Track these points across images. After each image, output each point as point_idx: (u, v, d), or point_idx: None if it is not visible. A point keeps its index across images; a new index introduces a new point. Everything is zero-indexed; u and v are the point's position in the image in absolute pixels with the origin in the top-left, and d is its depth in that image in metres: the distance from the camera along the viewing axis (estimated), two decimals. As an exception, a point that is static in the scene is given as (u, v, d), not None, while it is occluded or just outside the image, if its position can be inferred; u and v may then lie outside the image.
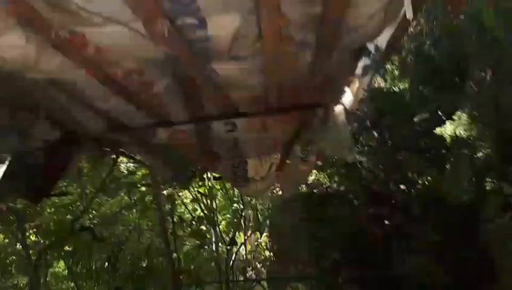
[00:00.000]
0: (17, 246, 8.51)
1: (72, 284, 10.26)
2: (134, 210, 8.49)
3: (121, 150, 4.15)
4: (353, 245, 5.74)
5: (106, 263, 9.67)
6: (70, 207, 8.16)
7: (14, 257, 8.86)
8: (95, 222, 7.43)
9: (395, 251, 5.01)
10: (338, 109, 3.18)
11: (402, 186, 5.26)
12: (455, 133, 2.63)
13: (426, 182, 5.11)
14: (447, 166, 3.57)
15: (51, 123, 2.97)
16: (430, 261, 4.47)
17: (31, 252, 7.77)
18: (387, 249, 5.21)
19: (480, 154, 2.50)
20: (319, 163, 5.05)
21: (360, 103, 3.88)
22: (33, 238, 8.72)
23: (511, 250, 2.08)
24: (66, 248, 9.21)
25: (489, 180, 2.29)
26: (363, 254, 5.57)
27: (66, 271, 10.74)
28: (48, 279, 9.62)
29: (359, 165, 5.28)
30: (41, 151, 3.14)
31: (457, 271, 4.33)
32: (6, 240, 8.67)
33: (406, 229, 5.09)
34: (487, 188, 2.34)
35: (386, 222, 5.04)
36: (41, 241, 8.80)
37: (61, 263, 10.50)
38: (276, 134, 3.66)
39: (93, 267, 9.65)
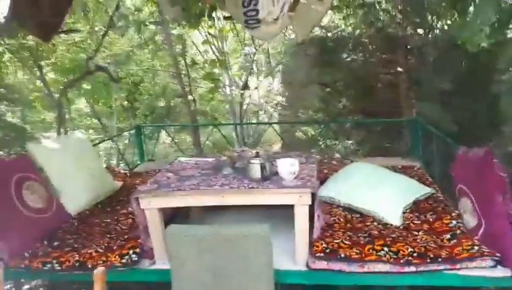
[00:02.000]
0: (37, 83, 8.78)
1: (96, 120, 10.96)
2: (146, 50, 8.42)
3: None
4: (363, 92, 5.80)
5: (126, 102, 10.14)
6: (81, 45, 8.15)
7: (37, 94, 9.21)
8: (109, 61, 7.47)
9: (404, 98, 5.06)
10: None
11: (419, 31, 4.99)
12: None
13: (445, 26, 4.82)
14: (470, 9, 3.27)
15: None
16: (439, 109, 4.54)
17: (51, 89, 8.07)
18: (397, 95, 5.26)
19: (507, -2, 2.27)
20: (335, 2, 4.71)
21: None
22: (51, 75, 8.95)
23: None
24: (85, 86, 9.53)
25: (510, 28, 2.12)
26: (372, 100, 5.67)
27: (88, 109, 11.36)
28: (72, 115, 10.18)
29: (377, 6, 4.92)
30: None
31: (465, 120, 4.44)
32: (26, 77, 8.88)
33: (418, 75, 5.04)
34: (508, 36, 2.19)
35: (399, 69, 4.95)
36: (60, 79, 9.09)
37: (82, 101, 11.01)
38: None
39: (113, 106, 10.15)
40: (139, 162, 5.43)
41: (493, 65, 2.51)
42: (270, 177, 2.67)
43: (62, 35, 6.60)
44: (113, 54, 7.97)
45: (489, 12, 2.20)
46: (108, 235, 3.03)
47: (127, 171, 4.78)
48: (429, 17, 4.91)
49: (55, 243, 2.95)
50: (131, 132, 6.07)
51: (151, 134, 7.99)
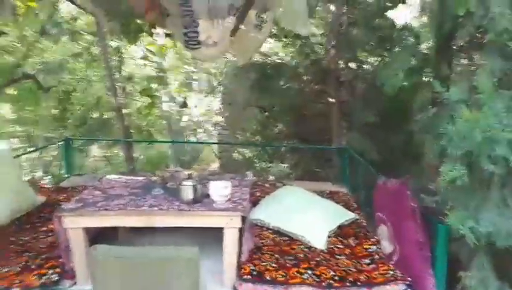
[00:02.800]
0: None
1: (20, 128, 10.23)
2: (80, 60, 8.11)
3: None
4: (298, 119, 6.05)
5: (55, 111, 9.59)
6: (9, 49, 7.65)
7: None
8: (39, 68, 7.08)
9: (335, 127, 5.36)
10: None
11: (351, 65, 5.37)
12: (405, 20, 2.62)
13: (375, 63, 5.24)
14: (396, 49, 3.63)
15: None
16: (365, 139, 4.86)
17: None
18: (328, 124, 5.55)
19: (423, 46, 2.55)
20: (273, 32, 4.93)
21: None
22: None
23: (429, 139, 2.30)
24: (11, 91, 8.91)
25: (426, 72, 2.38)
26: (306, 127, 5.93)
27: (14, 116, 10.58)
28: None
29: (313, 40, 5.23)
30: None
31: (386, 151, 4.80)
32: None
33: (348, 107, 5.38)
34: (424, 79, 2.46)
35: (330, 99, 5.26)
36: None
37: (6, 107, 10.25)
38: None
39: (40, 115, 9.56)
40: (66, 175, 5.15)
41: (410, 104, 2.80)
42: (201, 199, 2.69)
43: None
44: (44, 61, 7.58)
45: (406, 58, 2.45)
46: (26, 254, 2.85)
47: (51, 186, 4.52)
48: (359, 53, 5.31)
49: (-35, 262, 2.71)
50: (60, 143, 5.76)
51: (81, 146, 7.64)
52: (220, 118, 8.70)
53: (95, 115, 10.15)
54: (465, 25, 2.08)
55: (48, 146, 6.73)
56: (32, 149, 6.38)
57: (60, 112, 9.62)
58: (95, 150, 8.93)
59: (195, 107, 8.70)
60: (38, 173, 7.79)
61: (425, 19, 2.43)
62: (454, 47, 2.52)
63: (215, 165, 8.03)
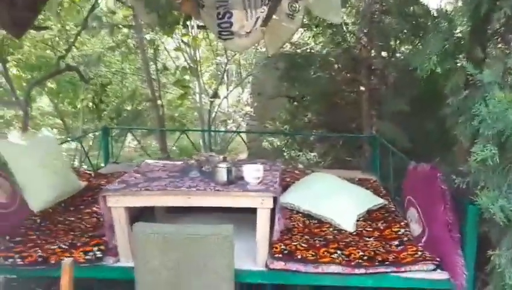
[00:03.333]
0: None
1: (59, 120, 10.70)
2: (116, 53, 8.40)
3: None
4: (328, 108, 6.08)
5: (91, 104, 9.99)
6: (49, 43, 8.02)
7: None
8: (78, 61, 7.41)
9: (365, 116, 5.35)
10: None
11: (383, 53, 5.34)
12: (440, 4, 2.63)
13: (407, 51, 5.20)
14: (426, 38, 3.59)
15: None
16: (396, 127, 4.85)
17: (14, 86, 7.88)
18: (359, 113, 5.55)
19: (457, 30, 2.55)
20: (305, 21, 4.97)
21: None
22: (14, 71, 8.71)
23: (461, 121, 2.32)
24: (50, 84, 9.33)
25: (459, 57, 2.39)
26: (336, 116, 5.95)
27: (52, 108, 11.07)
28: (33, 114, 9.92)
29: (344, 28, 5.24)
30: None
31: (420, 138, 4.77)
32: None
33: (379, 95, 5.37)
34: (457, 64, 2.47)
35: (362, 88, 5.26)
36: (23, 76, 8.85)
37: (45, 100, 10.72)
38: (264, -14, 3.54)
39: (79, 107, 9.97)
40: (102, 165, 5.40)
41: (442, 90, 2.79)
42: (235, 181, 2.82)
43: (31, 31, 6.50)
44: (83, 54, 7.91)
45: (439, 43, 2.47)
46: (72, 233, 3.06)
47: (91, 172, 4.78)
48: (392, 42, 5.28)
49: (18, 239, 2.95)
50: (97, 133, 6.03)
51: (116, 137, 7.95)
52: (248, 109, 8.83)
53: (129, 107, 10.51)
54: (501, 7, 2.08)
55: (86, 135, 7.04)
56: (71, 139, 6.69)
57: (94, 104, 10.02)
58: (129, 141, 9.25)
59: (225, 98, 8.83)
60: (75, 163, 8.17)
61: (460, 3, 2.43)
62: (489, 31, 2.52)
63: (244, 155, 8.16)
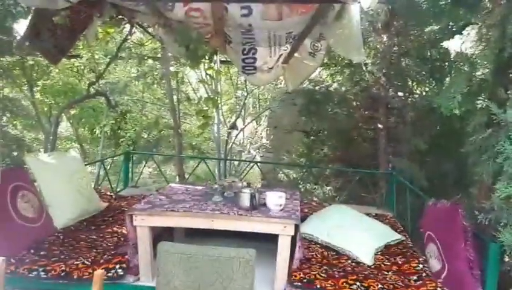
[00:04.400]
0: (23, 102, 8.83)
1: (76, 145, 10.97)
2: (139, 82, 8.74)
3: (135, 20, 4.22)
4: (344, 143, 6.19)
5: (110, 130, 10.26)
6: (75, 69, 8.38)
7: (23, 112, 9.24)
8: (104, 88, 7.71)
9: (382, 152, 5.43)
10: (354, 6, 3.21)
11: (400, 93, 5.49)
12: (461, 48, 2.75)
13: (423, 92, 5.34)
14: (446, 79, 3.74)
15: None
16: (413, 165, 4.91)
17: (39, 110, 8.19)
18: (376, 149, 5.64)
19: (478, 73, 2.67)
20: (325, 60, 5.17)
21: (376, 2, 3.86)
22: (39, 96, 9.05)
23: (482, 161, 2.39)
24: (73, 111, 9.65)
25: (481, 98, 2.48)
26: (353, 151, 6.04)
27: (70, 133, 11.36)
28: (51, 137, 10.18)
29: (363, 67, 5.42)
30: (66, 11, 3.24)
31: (437, 177, 4.81)
32: (12, 94, 8.95)
33: (396, 133, 5.47)
34: (477, 105, 2.56)
35: (379, 125, 5.37)
36: (46, 101, 9.18)
37: (63, 125, 11.02)
38: (290, 24, 3.73)
39: (99, 132, 10.24)
40: (119, 188, 5.50)
41: (463, 130, 2.88)
42: (258, 207, 2.88)
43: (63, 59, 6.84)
44: (107, 82, 8.23)
45: (462, 83, 2.58)
46: (94, 250, 3.13)
47: (112, 194, 4.89)
48: (409, 82, 5.44)
49: (42, 253, 3.03)
50: (115, 158, 6.17)
51: (136, 163, 8.12)
52: (264, 141, 8.98)
53: (147, 135, 10.75)
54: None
55: (109, 158, 7.22)
56: (96, 160, 6.87)
57: (112, 131, 10.28)
58: (146, 168, 9.42)
59: (242, 130, 9.02)
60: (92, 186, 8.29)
61: (480, 47, 2.55)
62: (511, 74, 2.63)
63: (259, 186, 8.22)
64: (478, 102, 2.50)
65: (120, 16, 4.05)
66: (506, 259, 2.37)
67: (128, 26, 4.86)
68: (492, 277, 2.43)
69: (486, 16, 2.46)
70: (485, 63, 2.51)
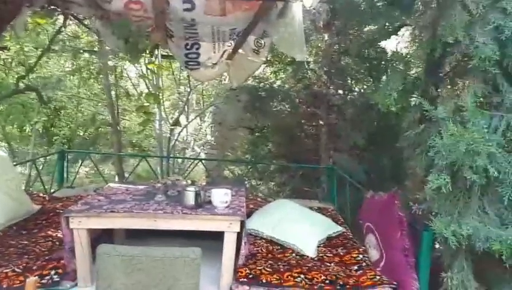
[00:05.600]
0: None
1: (3, 143, 10.17)
2: (74, 77, 8.27)
3: (70, 11, 3.97)
4: (288, 139, 6.30)
5: (42, 127, 9.62)
6: (3, 63, 7.75)
7: None
8: (36, 83, 7.21)
9: (323, 148, 5.61)
10: (296, 5, 3.27)
11: (340, 91, 5.70)
12: (396, 48, 2.91)
13: (362, 90, 5.60)
14: (383, 78, 3.95)
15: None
16: (353, 160, 5.11)
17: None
18: (317, 145, 5.80)
19: (412, 71, 2.83)
20: (269, 57, 5.23)
21: (317, 1, 3.95)
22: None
23: (416, 155, 2.54)
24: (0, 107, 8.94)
25: (414, 95, 2.64)
26: (296, 147, 6.17)
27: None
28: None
29: (306, 65, 5.55)
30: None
31: (375, 171, 5.05)
32: None
33: (337, 129, 5.67)
34: (411, 102, 2.72)
35: (321, 122, 5.53)
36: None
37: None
38: (234, 20, 3.71)
39: (29, 130, 9.57)
40: (53, 189, 5.18)
41: (398, 126, 3.05)
42: (203, 205, 2.84)
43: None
44: (39, 76, 7.70)
45: (397, 81, 2.72)
46: (26, 256, 2.92)
47: (46, 195, 4.59)
48: (349, 80, 5.66)
49: (-35, 263, 2.77)
50: (49, 157, 5.80)
51: (71, 162, 7.69)
52: (209, 138, 8.91)
53: (83, 132, 10.21)
54: (453, 52, 2.37)
55: (41, 157, 6.76)
56: (26, 160, 6.39)
57: (45, 129, 9.65)
58: (82, 167, 8.95)
59: (186, 127, 8.88)
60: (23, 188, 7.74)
61: (414, 47, 2.71)
62: (441, 73, 2.81)
63: (203, 183, 8.13)
64: (412, 99, 2.65)
65: (53, 6, 3.79)
66: (437, 246, 2.53)
67: (61, 17, 4.56)
68: (426, 263, 2.59)
69: (419, 17, 2.60)
70: (418, 62, 2.67)
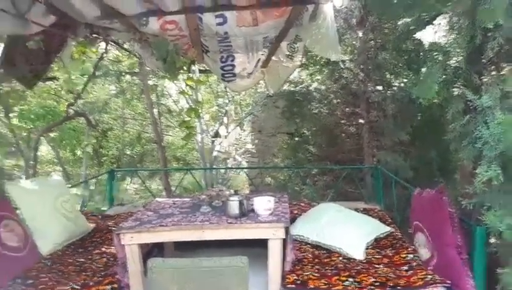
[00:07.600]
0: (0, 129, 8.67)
1: (58, 167, 10.77)
2: (118, 99, 8.65)
3: (111, 37, 4.17)
4: (328, 141, 6.23)
5: (92, 150, 10.11)
6: (51, 92, 8.23)
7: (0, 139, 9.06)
8: (83, 108, 7.61)
9: (366, 147, 5.48)
10: (327, 6, 3.25)
11: (379, 87, 5.56)
12: (434, 38, 2.80)
13: (402, 84, 5.43)
14: (422, 70, 3.80)
15: (47, 7, 2.98)
16: (397, 157, 4.96)
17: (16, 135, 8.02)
18: (360, 144, 5.68)
19: (452, 61, 2.72)
20: (303, 61, 5.21)
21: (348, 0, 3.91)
22: (16, 122, 8.89)
23: (463, 147, 2.42)
24: (53, 134, 9.48)
25: (456, 85, 2.53)
26: (337, 148, 6.08)
27: (52, 156, 11.13)
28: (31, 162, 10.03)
29: (341, 65, 5.48)
30: (40, 35, 3.19)
31: (421, 166, 4.87)
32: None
33: (379, 127, 5.53)
34: (453, 93, 2.60)
35: (361, 120, 5.42)
36: (23, 126, 9.01)
37: (43, 149, 10.82)
38: (266, 29, 3.74)
39: (80, 153, 10.08)
40: (105, 207, 5.41)
41: (442, 118, 2.93)
42: (247, 213, 2.87)
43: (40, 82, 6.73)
44: (87, 101, 8.13)
45: (437, 73, 2.62)
46: (83, 273, 3.06)
47: (98, 214, 4.80)
48: (387, 75, 5.51)
49: (29, 281, 2.94)
50: (100, 177, 6.07)
51: (120, 180, 8.02)
52: (249, 147, 8.97)
53: (130, 151, 10.61)
54: (495, 37, 2.25)
55: (91, 179, 7.10)
56: (80, 181, 6.75)
57: (94, 150, 10.13)
58: (129, 184, 9.32)
59: (225, 137, 9.01)
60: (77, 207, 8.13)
61: (452, 36, 2.60)
62: (484, 60, 2.68)
63: (246, 192, 8.21)
64: (454, 90, 2.54)
65: (94, 35, 4.00)
66: (492, 240, 2.39)
67: (103, 43, 4.81)
68: (481, 259, 2.46)
69: (456, 4, 2.50)
70: (458, 51, 2.56)
